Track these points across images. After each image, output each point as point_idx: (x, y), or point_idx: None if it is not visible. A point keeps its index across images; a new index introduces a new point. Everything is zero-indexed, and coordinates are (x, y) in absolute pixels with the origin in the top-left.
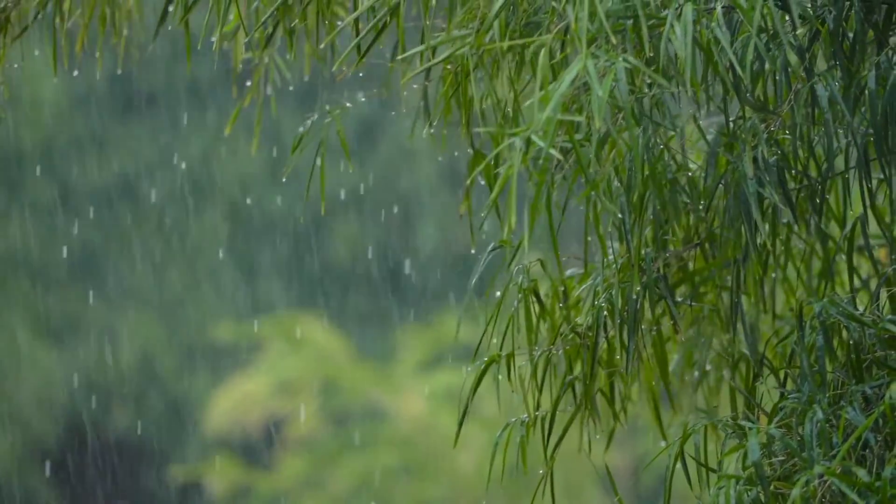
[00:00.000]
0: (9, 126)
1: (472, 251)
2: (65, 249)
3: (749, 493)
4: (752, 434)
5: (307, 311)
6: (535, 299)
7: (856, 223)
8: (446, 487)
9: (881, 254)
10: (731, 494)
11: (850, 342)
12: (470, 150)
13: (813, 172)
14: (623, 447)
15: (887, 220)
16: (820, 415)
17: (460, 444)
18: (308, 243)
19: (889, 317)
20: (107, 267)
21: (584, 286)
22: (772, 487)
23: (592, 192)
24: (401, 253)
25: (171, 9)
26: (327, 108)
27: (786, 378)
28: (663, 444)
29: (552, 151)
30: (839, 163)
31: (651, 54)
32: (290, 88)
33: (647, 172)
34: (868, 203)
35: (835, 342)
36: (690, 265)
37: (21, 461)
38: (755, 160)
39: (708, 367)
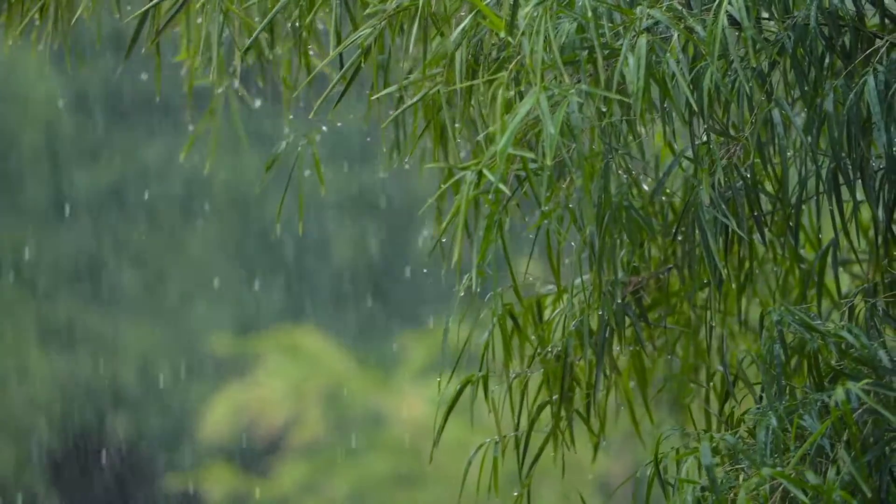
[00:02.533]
0: (5, 130)
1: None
2: (63, 256)
3: (708, 498)
4: (704, 439)
5: (306, 318)
6: (511, 322)
7: (829, 247)
8: (447, 494)
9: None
10: (688, 500)
11: (810, 351)
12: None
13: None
14: (621, 454)
15: (860, 243)
16: (774, 422)
17: (462, 451)
18: (308, 249)
19: (843, 323)
20: (106, 275)
21: (557, 310)
22: (732, 494)
23: (548, 221)
24: (401, 258)
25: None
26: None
27: (760, 394)
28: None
29: (501, 186)
30: (821, 182)
31: (605, 84)
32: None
33: (602, 199)
34: (829, 225)
35: (800, 353)
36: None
37: (21, 469)
38: (713, 186)
39: (689, 384)
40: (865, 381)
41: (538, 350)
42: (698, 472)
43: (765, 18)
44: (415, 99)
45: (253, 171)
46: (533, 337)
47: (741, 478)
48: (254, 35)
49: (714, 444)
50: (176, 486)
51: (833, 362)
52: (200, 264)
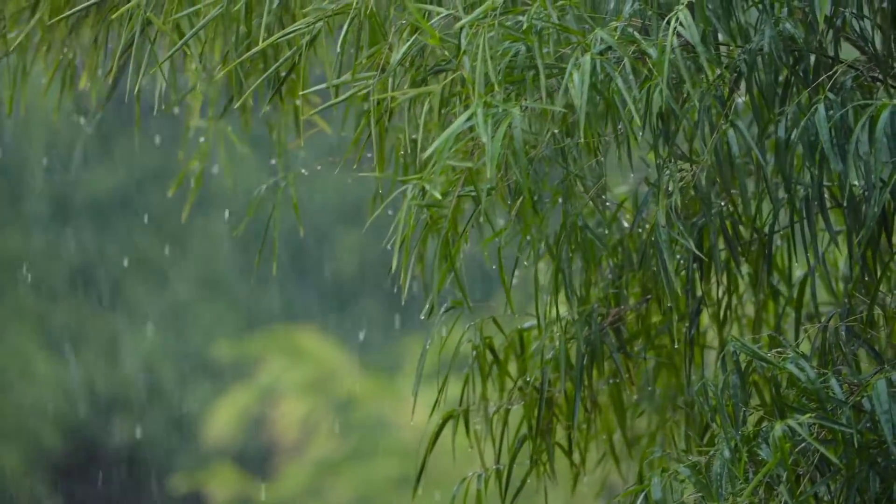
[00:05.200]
0: (10, 136)
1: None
2: (67, 261)
3: None
4: (655, 473)
5: (309, 322)
6: (491, 355)
7: (805, 281)
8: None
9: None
10: None
11: (771, 380)
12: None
13: (755, 225)
14: (626, 461)
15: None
16: (727, 453)
17: (468, 458)
18: (311, 255)
19: (791, 356)
20: (110, 278)
21: (537, 343)
22: None
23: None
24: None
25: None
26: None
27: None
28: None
29: (437, 195)
30: (791, 210)
31: (549, 103)
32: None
33: (562, 221)
34: (800, 257)
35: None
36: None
37: (25, 472)
38: (673, 210)
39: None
40: (808, 415)
41: (517, 383)
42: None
43: (722, 44)
44: (341, 98)
45: (255, 173)
46: (514, 370)
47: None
48: (177, 46)
49: (672, 476)
50: (180, 488)
51: (783, 393)
52: (204, 267)
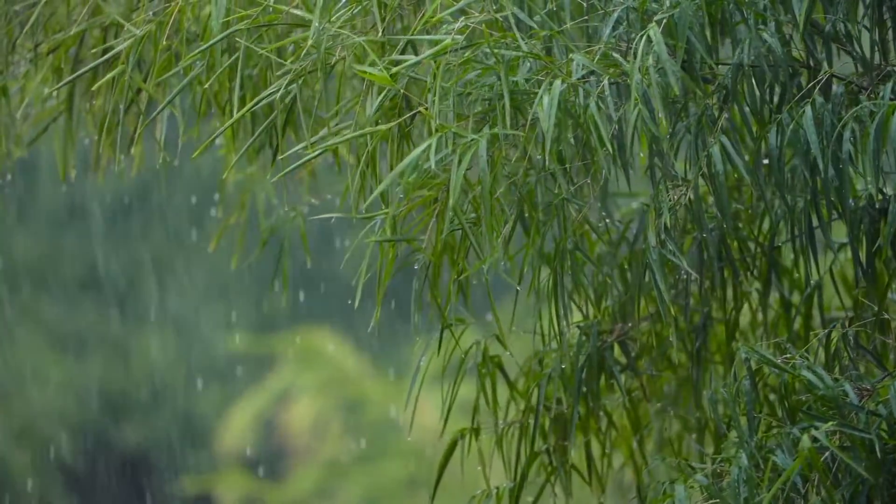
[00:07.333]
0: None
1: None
2: (76, 262)
3: None
4: (678, 482)
5: (319, 324)
6: (500, 374)
7: (814, 289)
8: (460, 501)
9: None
10: None
11: (780, 385)
12: None
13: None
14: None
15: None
16: (744, 461)
17: (476, 458)
18: (319, 256)
19: (803, 362)
20: (121, 280)
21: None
22: None
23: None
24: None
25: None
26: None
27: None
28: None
29: (388, 232)
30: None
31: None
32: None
33: (556, 243)
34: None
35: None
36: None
37: (35, 474)
38: (664, 227)
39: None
40: (830, 423)
41: (528, 401)
42: None
43: (706, 62)
44: (316, 153)
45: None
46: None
47: None
48: (160, 107)
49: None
50: (190, 491)
51: (801, 398)
52: (215, 269)
